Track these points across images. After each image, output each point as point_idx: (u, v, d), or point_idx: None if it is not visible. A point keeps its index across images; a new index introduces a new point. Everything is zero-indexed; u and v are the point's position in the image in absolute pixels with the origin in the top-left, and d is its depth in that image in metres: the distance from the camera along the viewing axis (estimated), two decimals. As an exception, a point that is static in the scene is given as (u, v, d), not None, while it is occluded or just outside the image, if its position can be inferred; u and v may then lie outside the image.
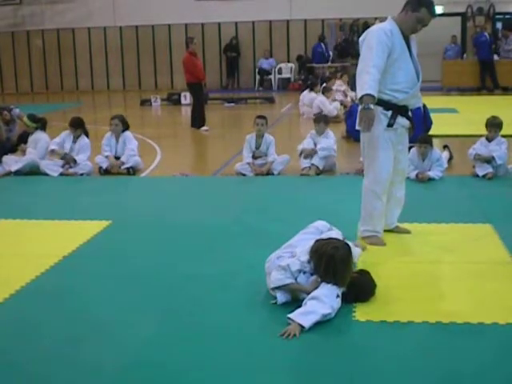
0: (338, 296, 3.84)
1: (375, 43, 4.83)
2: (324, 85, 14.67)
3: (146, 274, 4.67)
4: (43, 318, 3.99)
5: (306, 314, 3.70)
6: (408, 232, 5.46)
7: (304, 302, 3.83)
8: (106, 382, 3.23)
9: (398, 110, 5.00)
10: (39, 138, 8.74)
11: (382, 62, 4.80)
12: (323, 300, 3.77)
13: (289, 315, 3.72)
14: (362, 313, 3.90)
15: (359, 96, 4.79)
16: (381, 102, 4.90)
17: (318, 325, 3.73)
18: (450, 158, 8.48)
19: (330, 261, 3.89)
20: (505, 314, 3.86)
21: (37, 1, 22.85)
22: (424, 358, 3.37)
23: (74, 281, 4.62)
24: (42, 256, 5.12)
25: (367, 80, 4.75)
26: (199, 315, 3.96)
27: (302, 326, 3.64)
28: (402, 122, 5.07)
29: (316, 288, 3.89)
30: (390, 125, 4.99)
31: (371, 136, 5.00)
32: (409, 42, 5.02)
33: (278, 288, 3.99)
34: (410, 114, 5.14)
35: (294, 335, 3.59)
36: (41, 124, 8.91)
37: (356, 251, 4.48)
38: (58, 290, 4.43)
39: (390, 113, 4.98)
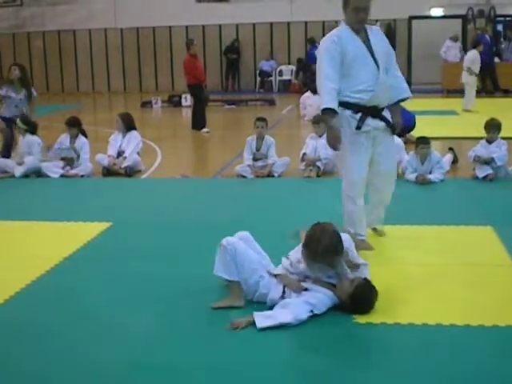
0: (311, 312, 3.83)
1: (323, 53, 4.83)
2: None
3: (146, 276, 4.66)
4: (43, 319, 3.99)
5: (266, 317, 3.78)
6: (383, 235, 5.47)
7: (276, 306, 3.94)
8: (106, 383, 3.25)
9: (368, 111, 4.90)
10: (31, 142, 8.69)
11: (332, 71, 4.75)
12: (290, 310, 3.80)
13: (255, 312, 3.81)
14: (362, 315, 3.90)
15: (321, 112, 4.82)
16: (348, 105, 4.85)
17: (318, 326, 3.75)
18: (455, 161, 8.43)
19: (310, 237, 3.95)
20: (505, 316, 3.86)
21: (38, 2, 22.87)
22: (424, 360, 3.36)
23: (75, 282, 4.62)
24: (43, 258, 5.12)
25: (322, 94, 4.77)
26: (200, 316, 3.96)
27: (252, 321, 3.75)
28: (374, 123, 4.94)
29: (297, 291, 3.98)
30: (357, 127, 4.89)
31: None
32: (367, 36, 4.89)
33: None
34: (384, 114, 4.99)
35: (238, 328, 3.71)
36: (31, 127, 8.85)
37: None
38: (58, 292, 4.43)
39: (359, 115, 4.89)
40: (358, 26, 4.86)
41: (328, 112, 4.73)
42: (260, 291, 4.08)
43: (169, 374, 3.29)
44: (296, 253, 4.13)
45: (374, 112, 4.91)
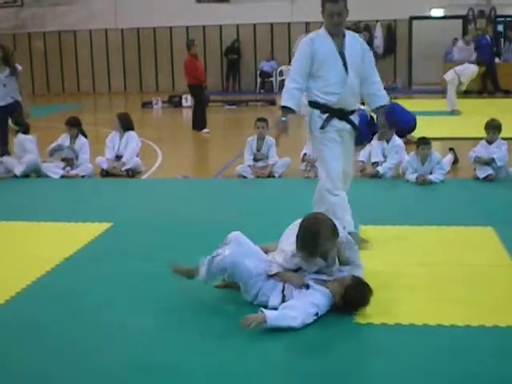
0: (316, 315, 3.81)
1: (296, 55, 5.13)
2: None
3: (146, 276, 4.67)
4: (44, 319, 3.99)
5: (276, 315, 3.73)
6: None
7: (282, 305, 3.86)
8: (105, 383, 3.25)
9: (334, 113, 5.06)
10: (25, 140, 8.67)
11: (298, 72, 5.04)
12: (298, 313, 3.75)
13: (262, 308, 3.77)
14: (362, 315, 3.89)
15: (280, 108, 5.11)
16: (317, 105, 5.08)
17: (318, 327, 3.75)
18: (455, 162, 8.42)
19: (299, 229, 4.01)
20: (505, 316, 3.86)
21: (38, 3, 22.86)
22: (425, 360, 3.36)
23: (75, 283, 4.62)
24: (43, 258, 5.12)
25: (283, 92, 5.08)
26: (201, 316, 3.96)
27: (265, 321, 3.66)
28: (340, 125, 5.10)
29: (299, 285, 3.94)
30: (322, 127, 5.07)
31: (313, 138, 5.22)
32: (344, 42, 5.03)
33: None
34: (352, 118, 5.14)
35: (251, 324, 3.61)
36: (23, 128, 8.82)
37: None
38: (59, 292, 4.43)
39: (325, 116, 5.06)
40: (335, 30, 5.04)
41: (285, 109, 5.03)
42: (259, 299, 4.05)
43: (169, 374, 3.29)
44: (290, 245, 4.07)
45: (340, 114, 5.09)
